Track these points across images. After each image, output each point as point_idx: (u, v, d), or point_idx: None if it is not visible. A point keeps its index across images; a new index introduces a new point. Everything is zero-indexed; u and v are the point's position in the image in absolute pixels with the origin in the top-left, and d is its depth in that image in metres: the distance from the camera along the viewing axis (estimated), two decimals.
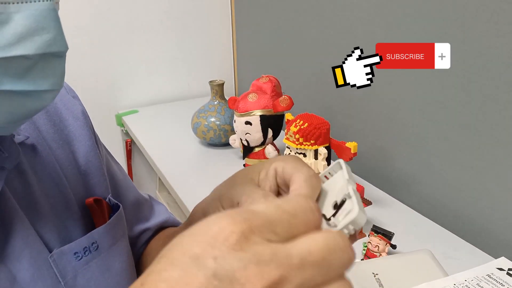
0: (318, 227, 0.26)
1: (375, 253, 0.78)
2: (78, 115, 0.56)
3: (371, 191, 1.04)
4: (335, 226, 0.31)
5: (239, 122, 1.10)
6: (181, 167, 1.23)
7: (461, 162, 0.91)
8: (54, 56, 0.35)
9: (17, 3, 0.31)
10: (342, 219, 0.31)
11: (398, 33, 1.00)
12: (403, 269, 0.74)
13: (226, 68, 1.83)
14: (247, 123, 1.08)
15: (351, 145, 0.90)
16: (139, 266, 0.63)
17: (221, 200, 0.41)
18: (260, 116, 1.08)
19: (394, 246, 0.79)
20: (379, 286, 0.72)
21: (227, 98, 1.24)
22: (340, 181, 0.35)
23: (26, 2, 0.32)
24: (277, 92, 1.11)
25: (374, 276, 0.73)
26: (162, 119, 1.59)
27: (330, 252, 0.24)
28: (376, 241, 0.78)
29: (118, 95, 1.65)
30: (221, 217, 0.24)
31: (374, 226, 0.79)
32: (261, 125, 1.08)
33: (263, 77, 1.13)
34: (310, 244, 0.24)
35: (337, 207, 0.33)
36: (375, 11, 1.05)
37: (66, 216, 0.49)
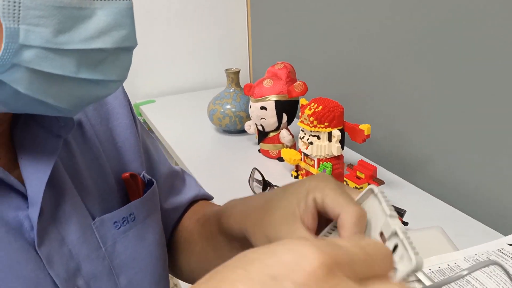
0: (389, 274, 0.26)
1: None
2: (117, 94, 0.59)
3: (384, 173, 1.05)
4: (396, 270, 0.31)
5: (254, 107, 1.12)
6: (198, 153, 1.26)
7: (474, 144, 0.92)
8: (124, 51, 0.39)
9: (102, 0, 0.35)
10: (401, 266, 0.31)
11: (412, 18, 1.01)
12: (414, 244, 0.76)
13: (241, 58, 1.86)
14: (262, 108, 1.11)
15: (365, 127, 0.92)
16: (172, 241, 0.66)
17: (254, 230, 0.41)
18: (275, 101, 1.10)
19: (405, 223, 0.81)
20: None
21: (242, 86, 1.27)
22: (376, 208, 0.35)
23: (109, 0, 0.35)
24: (292, 78, 1.13)
25: None
26: (178, 109, 1.63)
27: None
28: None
29: (136, 85, 1.69)
30: (308, 245, 0.24)
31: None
32: (276, 110, 1.10)
33: (278, 63, 1.15)
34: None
35: (393, 248, 0.32)
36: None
37: (104, 188, 0.52)
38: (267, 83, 1.11)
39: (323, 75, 1.36)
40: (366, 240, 0.27)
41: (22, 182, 0.42)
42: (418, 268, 0.30)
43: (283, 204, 0.41)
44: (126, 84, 0.59)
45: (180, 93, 1.80)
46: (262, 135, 1.15)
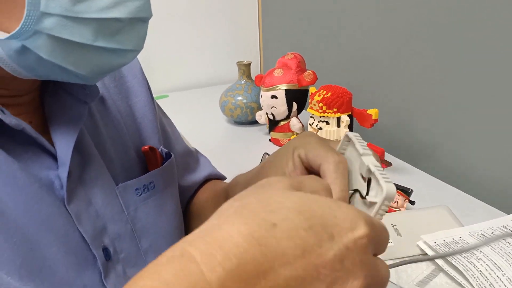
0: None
1: (394, 209, 0.82)
2: (136, 73, 0.63)
3: (392, 160, 1.07)
4: (374, 204, 0.35)
5: (265, 96, 1.15)
6: (210, 144, 1.29)
7: (480, 129, 0.94)
8: (140, 21, 0.41)
9: None
10: (376, 198, 0.35)
11: (421, 6, 1.04)
12: (421, 221, 0.78)
13: (252, 52, 1.89)
14: (273, 97, 1.14)
15: (373, 112, 0.94)
16: (186, 217, 0.69)
17: None
18: (286, 90, 1.13)
19: (412, 202, 0.83)
20: (397, 235, 0.76)
21: (253, 78, 1.30)
22: (354, 152, 0.38)
23: None
24: (301, 68, 1.16)
25: (393, 226, 0.77)
26: (191, 103, 1.66)
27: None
28: (395, 196, 0.82)
29: (149, 80, 1.73)
30: (359, 215, 0.28)
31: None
32: (286, 99, 1.13)
33: (288, 54, 1.18)
34: (387, 270, 0.30)
35: (367, 183, 0.36)
36: None
37: (126, 158, 0.56)
38: (277, 72, 1.14)
39: (333, 65, 1.39)
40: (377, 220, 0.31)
41: (52, 145, 0.45)
42: (389, 195, 0.33)
43: (273, 167, 0.45)
44: None
45: (193, 88, 1.83)
46: (273, 124, 1.18)
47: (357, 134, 0.39)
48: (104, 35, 0.39)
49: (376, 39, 1.19)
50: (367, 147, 0.37)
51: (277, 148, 1.21)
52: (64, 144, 0.45)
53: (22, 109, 0.46)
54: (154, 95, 0.66)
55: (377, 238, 0.29)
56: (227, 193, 0.59)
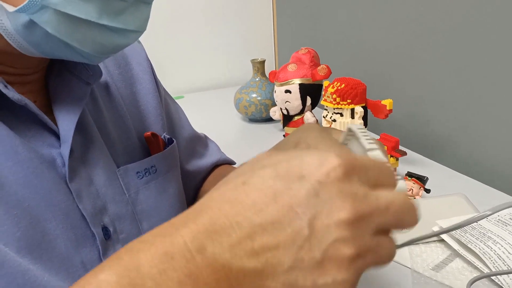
0: (395, 185, 0.30)
1: (409, 197, 0.81)
2: (141, 61, 0.64)
3: (410, 155, 1.06)
4: None
5: (279, 91, 1.15)
6: (225, 141, 1.28)
7: (497, 120, 0.92)
8: (143, 3, 0.43)
9: None
10: None
11: (436, 7, 1.03)
12: (437, 208, 0.77)
13: (267, 52, 1.90)
14: (287, 91, 1.14)
15: (387, 102, 0.93)
16: (195, 202, 0.70)
17: None
18: (299, 84, 1.13)
19: (428, 190, 0.82)
20: None
21: (267, 76, 1.31)
22: (358, 146, 0.36)
23: None
24: (315, 62, 1.16)
25: None
26: (206, 103, 1.68)
27: (406, 210, 0.29)
28: (410, 184, 0.81)
29: (165, 82, 1.75)
30: (330, 152, 0.28)
31: (408, 172, 0.83)
32: (300, 93, 1.13)
33: (302, 49, 1.18)
34: (394, 196, 0.28)
35: None
36: None
37: (128, 142, 0.56)
38: (291, 67, 1.14)
39: (347, 59, 1.39)
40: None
41: (56, 125, 0.46)
42: (379, 155, 0.33)
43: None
44: None
45: (208, 90, 1.85)
46: (287, 119, 1.18)
47: (361, 127, 0.37)
48: (109, 13, 0.40)
49: (389, 30, 1.19)
50: (373, 141, 0.36)
51: None
52: (66, 123, 0.46)
53: (28, 88, 0.47)
54: None
55: (363, 169, 0.28)
56: None
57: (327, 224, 0.26)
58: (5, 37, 0.40)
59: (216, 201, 0.27)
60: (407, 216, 0.29)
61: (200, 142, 0.74)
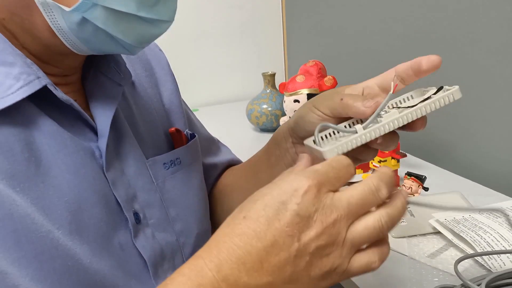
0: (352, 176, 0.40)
1: (408, 195, 0.87)
2: (163, 65, 0.71)
3: (410, 159, 1.12)
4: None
5: (288, 101, 1.23)
6: (237, 151, 1.34)
7: (493, 123, 0.98)
8: None
9: None
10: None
11: (444, 17, 1.10)
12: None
13: (277, 66, 1.98)
14: (295, 101, 1.21)
15: None
16: (211, 199, 0.75)
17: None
18: (307, 94, 1.20)
19: (426, 189, 0.88)
20: (411, 215, 0.81)
21: (277, 88, 1.38)
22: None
23: None
24: (322, 74, 1.23)
25: (407, 208, 0.82)
26: (220, 116, 1.76)
27: (366, 195, 0.38)
28: (409, 183, 0.87)
29: (181, 95, 1.84)
30: (300, 176, 0.38)
31: (407, 171, 0.89)
32: None
33: (310, 61, 1.26)
34: (351, 190, 0.38)
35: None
36: (419, 2, 1.17)
37: (155, 137, 0.62)
38: (299, 78, 1.22)
39: (352, 72, 1.46)
40: (332, 158, 0.41)
41: (93, 120, 0.52)
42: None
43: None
44: None
45: (221, 103, 1.93)
46: None
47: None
48: (145, 6, 0.46)
49: (391, 40, 1.26)
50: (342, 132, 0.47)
51: None
52: (103, 119, 0.52)
53: (69, 89, 0.53)
54: None
55: (327, 180, 0.38)
56: (267, 146, 0.66)
57: (312, 237, 0.36)
58: (60, 36, 0.45)
59: (229, 236, 0.37)
60: (372, 198, 0.38)
61: (214, 143, 0.80)
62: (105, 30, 0.45)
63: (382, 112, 0.45)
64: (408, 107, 0.45)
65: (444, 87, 0.45)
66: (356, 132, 0.44)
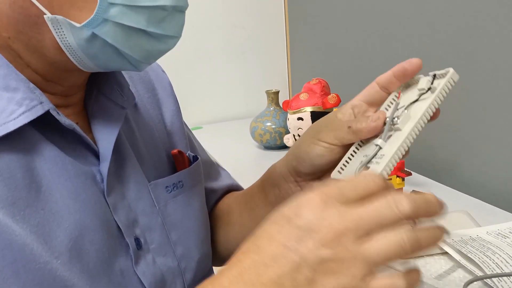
0: (378, 192, 0.35)
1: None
2: (166, 86, 0.71)
3: (415, 177, 1.11)
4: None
5: (292, 119, 1.23)
6: (242, 168, 1.36)
7: (498, 141, 0.97)
8: (179, 11, 0.48)
9: None
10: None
11: (449, 33, 1.11)
12: (440, 223, 0.82)
13: (281, 84, 1.99)
14: (299, 119, 1.21)
15: None
16: (210, 220, 0.73)
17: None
18: (311, 112, 1.20)
19: None
20: None
21: (281, 106, 1.38)
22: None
23: None
24: (326, 92, 1.23)
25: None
26: (224, 133, 1.76)
27: (382, 208, 0.33)
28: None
29: (185, 113, 1.84)
30: (307, 192, 0.36)
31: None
32: (311, 120, 1.20)
33: (313, 79, 1.26)
34: (366, 203, 0.34)
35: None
36: (418, 19, 1.17)
37: (157, 159, 0.62)
38: (303, 96, 1.22)
39: (356, 90, 1.46)
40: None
41: (95, 144, 0.51)
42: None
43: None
44: None
45: (225, 121, 1.93)
46: None
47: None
48: (154, 22, 0.45)
49: (394, 59, 1.26)
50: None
51: None
52: (105, 143, 0.51)
53: (71, 111, 0.52)
54: (190, 127, 0.75)
55: (338, 192, 0.35)
56: (261, 180, 0.64)
57: (310, 249, 0.33)
58: (67, 53, 0.45)
59: (237, 253, 0.37)
60: (387, 216, 0.33)
61: (213, 167, 0.79)
62: (113, 46, 0.45)
63: (395, 119, 0.45)
64: (413, 102, 0.45)
65: (435, 72, 0.45)
66: (381, 148, 0.43)
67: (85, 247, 0.45)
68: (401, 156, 0.42)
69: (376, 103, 0.51)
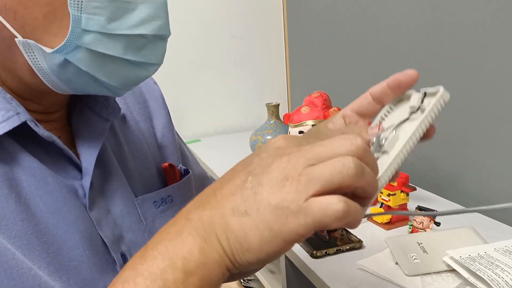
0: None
1: (420, 230, 0.85)
2: (157, 98, 0.69)
3: (420, 192, 1.10)
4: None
5: (293, 132, 1.21)
6: None
7: (503, 156, 0.97)
8: (160, 39, 0.47)
9: None
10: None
11: (442, 44, 1.10)
12: (446, 239, 0.80)
13: (280, 98, 1.99)
14: (301, 132, 1.19)
15: None
16: None
17: None
18: (312, 125, 1.19)
19: (438, 224, 0.85)
20: (423, 252, 0.78)
21: (281, 119, 1.37)
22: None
23: None
24: (327, 105, 1.22)
25: (419, 244, 0.79)
26: (222, 147, 1.74)
27: (336, 140, 0.34)
28: (420, 218, 0.84)
29: (183, 125, 1.83)
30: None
31: (418, 205, 0.86)
32: None
33: (314, 92, 1.25)
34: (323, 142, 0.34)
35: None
36: (421, 33, 1.17)
37: (146, 174, 0.60)
38: (304, 110, 1.21)
39: None
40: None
41: (78, 158, 0.50)
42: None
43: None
44: (175, 123, 0.70)
45: (224, 134, 1.92)
46: None
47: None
48: (132, 49, 0.44)
49: (392, 73, 1.25)
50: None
51: None
52: (88, 157, 0.50)
53: (53, 125, 0.51)
54: (187, 139, 0.72)
55: (300, 138, 0.37)
56: None
57: (257, 162, 0.35)
58: (40, 76, 0.44)
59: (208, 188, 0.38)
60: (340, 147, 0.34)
61: (207, 181, 0.77)
62: (88, 72, 0.44)
63: (382, 141, 0.43)
64: (402, 121, 0.43)
65: (425, 90, 0.43)
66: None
67: (63, 263, 0.43)
68: (387, 181, 0.40)
69: (367, 115, 0.49)
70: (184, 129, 1.84)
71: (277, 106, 1.41)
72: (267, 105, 1.42)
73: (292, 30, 1.88)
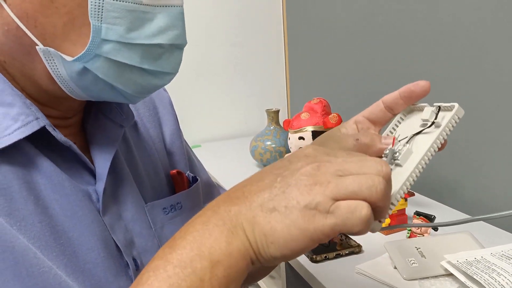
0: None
1: (418, 235, 0.86)
2: (166, 104, 0.70)
3: (418, 197, 1.11)
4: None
5: (293, 138, 1.23)
6: None
7: (500, 162, 0.98)
8: (177, 48, 0.48)
9: (161, 6, 0.45)
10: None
11: (447, 51, 1.12)
12: (444, 244, 0.81)
13: (280, 105, 2.00)
14: (300, 138, 1.21)
15: None
16: None
17: None
18: (312, 131, 1.20)
19: (435, 229, 0.86)
20: (421, 256, 0.79)
21: (281, 125, 1.39)
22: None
23: (167, 6, 0.46)
24: (327, 111, 1.24)
25: (417, 249, 0.81)
26: (222, 152, 1.75)
27: (363, 162, 0.36)
28: (418, 223, 0.86)
29: (183, 131, 1.84)
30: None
31: (416, 211, 0.88)
32: (313, 139, 1.20)
33: (314, 99, 1.26)
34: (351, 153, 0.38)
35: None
36: (420, 40, 1.19)
37: (156, 180, 0.61)
38: (304, 116, 1.22)
39: (357, 109, 1.46)
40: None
41: (92, 163, 0.51)
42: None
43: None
44: None
45: (224, 139, 1.93)
46: None
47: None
48: (149, 59, 0.45)
49: (394, 81, 1.27)
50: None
51: None
52: (102, 162, 0.50)
53: (69, 131, 0.52)
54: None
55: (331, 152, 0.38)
56: None
57: (292, 172, 0.36)
58: (59, 83, 0.45)
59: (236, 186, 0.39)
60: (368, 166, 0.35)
61: (214, 188, 0.78)
62: (105, 80, 0.45)
63: (396, 154, 0.44)
64: (415, 133, 0.45)
65: (440, 104, 0.44)
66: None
67: (79, 265, 0.44)
68: (403, 196, 0.41)
69: (379, 122, 0.51)
70: (185, 135, 1.83)
71: (277, 112, 1.43)
72: (267, 111, 1.43)
73: (292, 37, 1.90)
